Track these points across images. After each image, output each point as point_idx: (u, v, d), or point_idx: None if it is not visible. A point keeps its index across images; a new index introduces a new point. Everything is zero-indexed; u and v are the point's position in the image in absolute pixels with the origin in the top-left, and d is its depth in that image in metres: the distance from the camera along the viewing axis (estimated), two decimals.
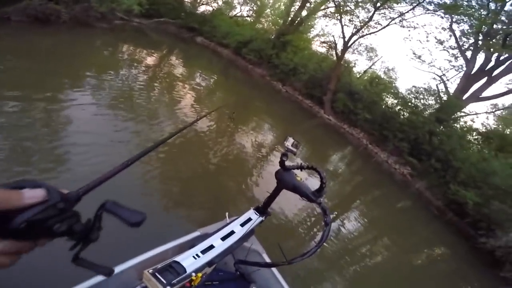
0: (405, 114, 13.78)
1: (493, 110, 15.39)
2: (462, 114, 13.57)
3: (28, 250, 0.37)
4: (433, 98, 14.27)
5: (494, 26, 12.91)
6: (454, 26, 14.59)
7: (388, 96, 15.29)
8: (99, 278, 1.14)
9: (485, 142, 12.40)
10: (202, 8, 16.74)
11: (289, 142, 1.37)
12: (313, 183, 1.34)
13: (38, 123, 3.30)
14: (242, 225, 1.53)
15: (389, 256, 4.93)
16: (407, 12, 14.61)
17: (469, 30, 14.09)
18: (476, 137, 12.95)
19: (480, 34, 13.59)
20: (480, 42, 13.58)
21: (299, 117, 12.44)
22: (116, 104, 4.72)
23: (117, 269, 1.22)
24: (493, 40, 12.82)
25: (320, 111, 14.48)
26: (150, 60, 9.29)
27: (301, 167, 1.39)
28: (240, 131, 6.61)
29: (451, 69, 16.02)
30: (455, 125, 12.90)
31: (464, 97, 13.68)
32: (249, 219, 1.57)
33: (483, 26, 13.21)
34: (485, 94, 13.65)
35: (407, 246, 5.95)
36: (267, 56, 15.45)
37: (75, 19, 7.86)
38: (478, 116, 13.69)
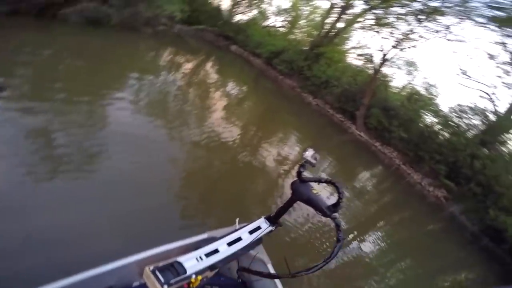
0: (445, 134, 12.78)
1: None
2: None
3: None
4: (479, 118, 13.10)
5: None
6: (508, 40, 13.24)
7: (428, 114, 14.31)
8: (100, 269, 1.16)
9: None
10: (238, 17, 17.21)
11: (309, 153, 1.35)
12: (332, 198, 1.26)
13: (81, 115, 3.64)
14: (251, 232, 1.51)
15: (413, 278, 4.60)
16: (453, 25, 13.33)
17: None
18: None
19: None
20: None
21: (328, 131, 12.13)
22: (151, 108, 4.99)
23: (119, 263, 1.23)
24: None
25: (351, 127, 13.99)
26: (188, 66, 9.74)
27: (319, 180, 1.36)
28: (267, 142, 6.59)
29: (502, 86, 14.52)
30: (502, 148, 11.68)
31: None
32: (258, 228, 1.55)
33: None
34: None
35: (434, 268, 5.48)
36: (298, 67, 15.37)
37: (123, 23, 8.50)
38: None
